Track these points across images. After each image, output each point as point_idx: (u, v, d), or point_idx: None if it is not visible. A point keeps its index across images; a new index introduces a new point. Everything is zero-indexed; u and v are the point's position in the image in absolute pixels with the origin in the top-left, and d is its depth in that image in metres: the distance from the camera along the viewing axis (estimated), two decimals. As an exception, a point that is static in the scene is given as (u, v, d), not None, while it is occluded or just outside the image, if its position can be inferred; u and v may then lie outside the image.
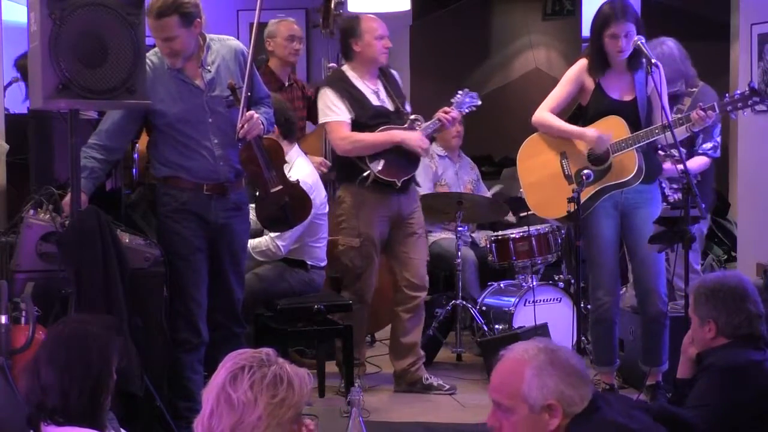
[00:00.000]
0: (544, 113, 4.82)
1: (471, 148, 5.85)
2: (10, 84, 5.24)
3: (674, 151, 4.78)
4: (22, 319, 3.42)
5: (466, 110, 5.27)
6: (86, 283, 3.65)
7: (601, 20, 4.64)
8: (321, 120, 5.13)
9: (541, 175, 4.87)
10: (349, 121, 5.04)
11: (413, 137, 5.05)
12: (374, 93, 5.15)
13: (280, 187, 4.34)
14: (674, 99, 5.22)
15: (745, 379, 3.09)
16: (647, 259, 4.73)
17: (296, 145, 5.23)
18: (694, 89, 5.30)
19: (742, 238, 6.55)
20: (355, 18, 5.26)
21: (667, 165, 4.98)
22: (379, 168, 5.01)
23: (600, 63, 4.70)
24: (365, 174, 5.00)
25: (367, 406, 4.69)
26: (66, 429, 2.62)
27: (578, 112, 4.85)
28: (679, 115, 4.70)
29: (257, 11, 4.32)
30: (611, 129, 4.66)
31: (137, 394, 3.72)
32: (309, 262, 5.17)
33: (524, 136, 5.02)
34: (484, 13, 10.27)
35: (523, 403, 2.31)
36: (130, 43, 3.65)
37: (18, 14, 4.98)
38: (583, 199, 4.62)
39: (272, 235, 5.01)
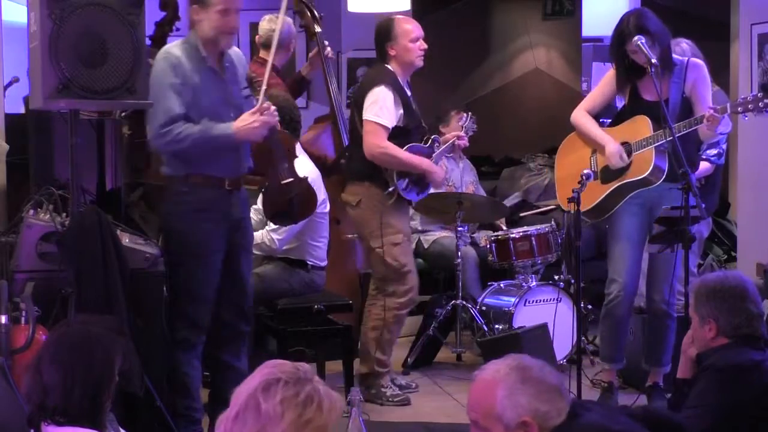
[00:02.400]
0: (580, 114, 4.84)
1: (470, 149, 5.84)
2: (10, 84, 5.24)
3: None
4: (22, 319, 3.43)
5: (471, 133, 5.39)
6: (86, 283, 3.65)
7: (618, 38, 4.64)
8: (366, 116, 4.92)
9: (571, 171, 4.88)
10: (391, 128, 4.94)
11: (437, 174, 5.08)
12: (409, 99, 5.06)
13: (291, 179, 4.34)
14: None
15: (745, 379, 3.09)
16: (656, 260, 4.74)
17: (297, 143, 5.24)
18: None
19: (742, 238, 6.56)
20: (390, 20, 5.07)
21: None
22: (403, 187, 4.99)
23: (625, 77, 4.70)
24: (391, 189, 4.97)
25: (367, 407, 4.70)
26: (66, 429, 2.63)
27: (620, 112, 4.87)
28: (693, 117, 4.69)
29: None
30: (636, 128, 4.66)
31: (137, 394, 3.72)
32: (309, 262, 5.16)
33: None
34: (484, 13, 10.29)
35: (497, 422, 2.35)
36: (130, 43, 3.65)
37: (18, 14, 4.99)
38: (601, 196, 4.68)
39: (268, 228, 5.00)
